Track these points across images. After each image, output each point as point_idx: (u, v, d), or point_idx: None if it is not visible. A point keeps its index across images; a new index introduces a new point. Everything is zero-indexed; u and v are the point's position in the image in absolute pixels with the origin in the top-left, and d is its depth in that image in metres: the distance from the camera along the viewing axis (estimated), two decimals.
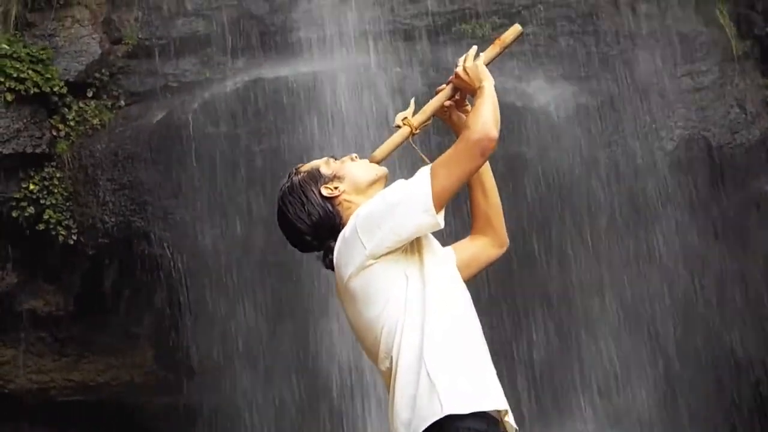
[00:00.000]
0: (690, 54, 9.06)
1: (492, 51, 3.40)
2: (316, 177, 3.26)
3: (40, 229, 8.64)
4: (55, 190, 8.72)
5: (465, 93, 3.38)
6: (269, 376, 8.74)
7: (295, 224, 3.23)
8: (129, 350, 9.31)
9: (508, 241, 3.47)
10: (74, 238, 8.70)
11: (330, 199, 3.22)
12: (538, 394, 8.66)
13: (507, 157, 8.06)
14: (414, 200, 3.04)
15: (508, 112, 8.45)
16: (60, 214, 8.70)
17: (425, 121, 3.40)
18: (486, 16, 9.03)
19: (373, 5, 9.02)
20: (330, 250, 3.18)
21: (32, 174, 8.69)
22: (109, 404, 9.49)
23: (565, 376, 8.77)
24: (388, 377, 3.09)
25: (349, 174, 3.27)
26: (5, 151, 8.52)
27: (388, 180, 3.32)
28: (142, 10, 9.19)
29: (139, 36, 9.15)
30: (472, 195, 3.44)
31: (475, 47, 3.37)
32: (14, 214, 8.61)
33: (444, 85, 3.43)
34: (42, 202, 8.66)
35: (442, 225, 3.09)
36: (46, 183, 8.71)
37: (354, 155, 3.37)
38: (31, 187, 8.65)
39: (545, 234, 8.54)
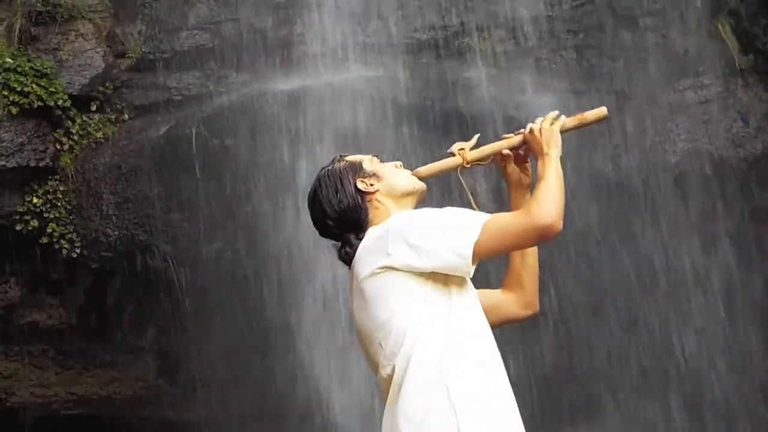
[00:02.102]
0: (693, 67, 9.06)
1: (571, 122, 3.37)
2: (356, 168, 3.29)
3: (44, 242, 8.65)
4: (59, 204, 8.72)
5: (530, 151, 3.34)
6: (273, 390, 8.72)
7: (324, 207, 3.26)
8: (132, 363, 9.31)
9: (537, 306, 3.45)
10: (77, 251, 8.71)
11: (363, 194, 3.25)
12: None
13: None
14: (454, 241, 3.02)
15: (510, 125, 8.52)
16: (63, 228, 8.70)
17: (480, 160, 3.38)
18: (489, 30, 9.05)
19: (377, 19, 9.04)
20: (348, 243, 3.20)
21: (36, 187, 8.70)
22: (112, 418, 9.48)
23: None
24: (387, 384, 3.07)
25: (388, 177, 3.30)
26: (9, 165, 8.53)
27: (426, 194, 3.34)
28: (145, 23, 9.22)
29: (143, 50, 9.17)
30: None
31: (557, 112, 3.36)
32: (18, 227, 8.61)
33: (512, 134, 3.40)
34: (45, 215, 8.66)
35: (470, 274, 3.07)
36: (50, 196, 8.72)
37: (398, 163, 3.39)
38: (35, 200, 8.66)
39: (547, 247, 8.52)
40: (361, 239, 3.20)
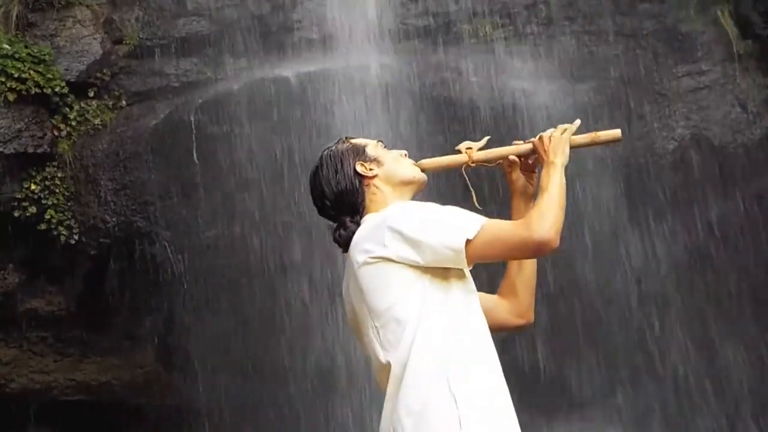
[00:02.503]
0: (691, 54, 9.06)
1: (583, 139, 3.30)
2: (358, 152, 3.27)
3: (42, 229, 8.64)
4: (57, 190, 8.72)
5: (538, 161, 3.29)
6: (272, 375, 8.74)
7: (323, 186, 3.25)
8: (130, 350, 9.31)
9: (531, 318, 3.39)
10: (76, 238, 8.71)
11: (361, 177, 3.22)
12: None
13: None
14: (448, 236, 2.99)
15: (508, 111, 8.53)
16: (61, 214, 8.70)
17: (485, 162, 3.34)
18: (487, 16, 9.05)
19: (374, 5, 9.03)
20: (343, 225, 3.19)
21: (34, 174, 8.69)
22: (111, 404, 9.49)
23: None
24: (383, 372, 3.05)
25: (389, 163, 3.27)
26: (7, 151, 8.52)
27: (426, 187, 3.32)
28: (143, 9, 9.21)
29: (141, 36, 9.16)
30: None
31: (578, 121, 3.30)
32: (16, 213, 8.61)
33: (521, 141, 3.36)
34: (43, 202, 8.66)
35: (465, 265, 3.02)
36: (48, 183, 8.71)
37: (404, 152, 3.35)
38: (33, 187, 8.65)
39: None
40: (356, 222, 3.19)
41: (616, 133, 3.33)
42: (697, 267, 8.85)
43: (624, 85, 8.90)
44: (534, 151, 3.30)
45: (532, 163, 3.36)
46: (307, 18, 9.06)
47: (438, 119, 8.41)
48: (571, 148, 3.27)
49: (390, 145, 3.40)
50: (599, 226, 8.64)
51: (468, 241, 2.97)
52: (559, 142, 3.23)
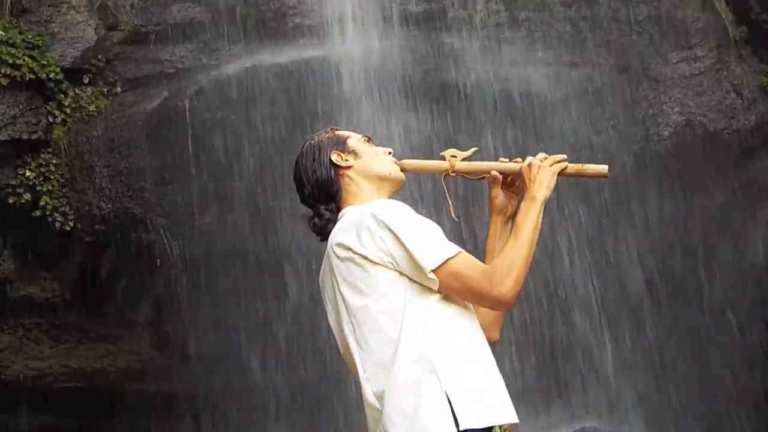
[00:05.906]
0: (686, 39, 9.06)
1: (570, 169, 3.21)
2: (338, 143, 3.27)
3: (37, 215, 8.64)
4: (52, 177, 8.71)
5: (522, 185, 3.21)
6: (267, 363, 8.75)
7: (301, 175, 3.26)
8: (126, 337, 9.32)
9: (495, 336, 3.26)
10: (71, 224, 8.70)
11: (337, 167, 3.22)
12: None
13: (503, 143, 8.13)
14: (425, 253, 2.97)
15: (504, 98, 8.53)
16: (56, 201, 8.69)
17: (467, 173, 3.29)
18: (482, 2, 9.04)
19: None
20: (318, 213, 3.20)
21: (28, 160, 8.69)
22: (106, 391, 9.50)
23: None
24: (361, 369, 3.03)
25: (367, 157, 3.26)
26: (1, 138, 8.51)
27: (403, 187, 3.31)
28: None
29: (135, 22, 9.14)
30: None
31: (564, 156, 3.23)
32: (11, 200, 8.61)
33: (511, 161, 3.28)
34: (38, 188, 8.65)
35: (432, 286, 3.00)
36: (43, 169, 8.70)
37: (389, 150, 3.33)
38: (28, 173, 8.64)
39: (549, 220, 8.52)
40: (330, 210, 3.19)
41: (603, 168, 3.26)
42: (693, 252, 8.87)
43: (619, 71, 8.90)
44: (520, 173, 3.22)
45: (518, 186, 3.29)
46: (301, 4, 9.04)
47: (434, 106, 8.41)
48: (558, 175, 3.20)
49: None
50: (594, 212, 8.66)
51: (440, 265, 2.96)
52: (546, 174, 3.15)
